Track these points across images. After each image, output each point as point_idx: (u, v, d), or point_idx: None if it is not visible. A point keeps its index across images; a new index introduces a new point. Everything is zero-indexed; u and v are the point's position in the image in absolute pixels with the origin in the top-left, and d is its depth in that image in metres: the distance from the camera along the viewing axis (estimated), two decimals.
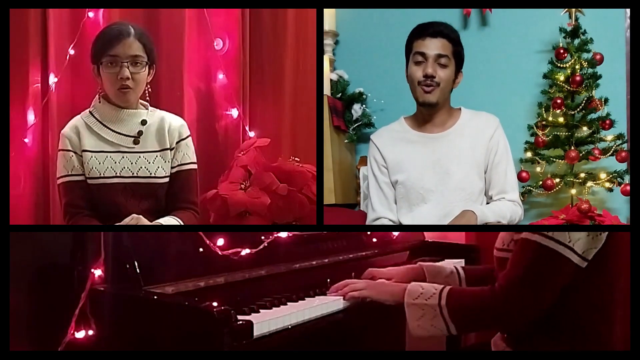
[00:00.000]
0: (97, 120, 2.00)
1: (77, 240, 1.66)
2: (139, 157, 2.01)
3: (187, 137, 2.09)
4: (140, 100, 2.05)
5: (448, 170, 2.14)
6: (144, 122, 2.02)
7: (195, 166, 2.10)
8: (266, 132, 2.48)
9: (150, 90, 2.03)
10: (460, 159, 2.15)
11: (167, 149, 2.04)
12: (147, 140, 2.02)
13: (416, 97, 2.14)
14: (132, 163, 2.00)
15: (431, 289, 1.55)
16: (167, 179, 2.04)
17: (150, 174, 2.01)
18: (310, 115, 2.51)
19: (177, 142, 2.06)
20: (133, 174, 1.99)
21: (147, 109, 2.06)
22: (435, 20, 2.17)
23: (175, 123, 2.08)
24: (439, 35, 2.09)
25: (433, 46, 2.09)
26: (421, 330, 1.54)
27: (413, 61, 2.12)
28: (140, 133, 2.01)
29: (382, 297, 1.67)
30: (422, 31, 2.11)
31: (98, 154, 1.98)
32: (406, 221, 2.19)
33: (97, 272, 1.51)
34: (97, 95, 2.03)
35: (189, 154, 2.08)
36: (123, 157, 2.00)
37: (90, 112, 2.02)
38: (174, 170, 2.06)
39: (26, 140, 2.34)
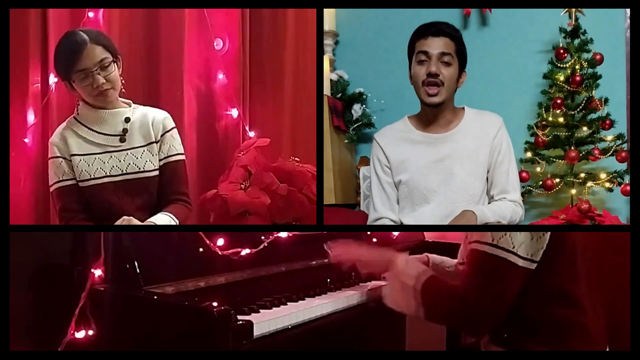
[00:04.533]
0: (82, 124, 2.02)
1: (77, 240, 1.66)
2: (127, 154, 2.01)
3: (172, 129, 2.09)
4: (122, 99, 2.06)
5: (452, 170, 2.14)
6: (127, 120, 2.03)
7: (182, 157, 2.10)
8: (266, 132, 2.48)
9: (124, 81, 2.03)
10: (464, 159, 2.14)
11: (152, 143, 2.04)
12: (132, 137, 2.03)
13: (421, 98, 2.13)
14: (120, 161, 2.01)
15: (414, 270, 1.62)
16: (157, 172, 2.04)
17: (139, 168, 2.01)
18: (310, 115, 2.51)
19: (162, 135, 2.06)
20: (122, 171, 2.00)
21: (129, 106, 2.06)
22: (435, 20, 2.17)
23: (159, 116, 2.08)
24: (441, 34, 2.09)
25: (436, 45, 2.08)
26: (394, 303, 1.64)
27: (416, 61, 2.12)
28: (125, 131, 2.02)
29: (372, 257, 1.80)
30: (425, 31, 2.11)
31: (86, 156, 1.99)
32: (408, 221, 2.19)
33: (97, 272, 1.51)
34: (77, 102, 2.03)
35: (175, 146, 2.08)
36: (111, 157, 2.00)
37: (74, 117, 2.04)
38: (162, 162, 2.06)
39: (26, 140, 2.34)
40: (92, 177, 1.98)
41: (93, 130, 2.01)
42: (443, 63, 2.08)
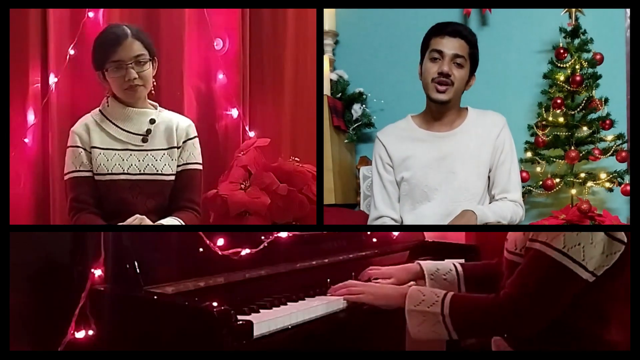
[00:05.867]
0: (107, 118, 2.03)
1: (77, 240, 1.66)
2: (147, 154, 2.03)
3: (194, 137, 2.11)
4: (149, 101, 2.08)
5: (453, 169, 2.14)
6: (152, 121, 2.04)
7: (200, 167, 2.12)
8: (266, 132, 2.48)
9: (155, 83, 2.05)
10: (466, 158, 2.14)
11: (174, 147, 2.06)
12: (155, 138, 2.05)
13: (428, 93, 2.13)
14: (139, 160, 2.02)
15: (433, 296, 1.56)
16: (173, 177, 2.06)
17: (157, 171, 2.03)
18: (310, 115, 2.50)
19: (184, 142, 2.08)
20: (140, 171, 2.01)
21: (155, 108, 2.08)
22: (434, 20, 2.17)
23: (184, 123, 2.10)
24: (457, 35, 2.09)
25: (451, 45, 2.08)
26: (422, 334, 1.57)
27: (429, 58, 2.11)
28: (148, 131, 2.04)
29: (381, 302, 1.69)
30: (441, 29, 2.11)
31: (106, 151, 2.00)
32: (409, 219, 2.19)
33: (97, 272, 1.51)
34: (107, 95, 2.05)
35: (194, 154, 2.10)
36: (131, 155, 2.02)
37: (100, 110, 2.05)
38: (179, 169, 2.07)
39: (26, 140, 2.34)
40: (109, 172, 1.99)
41: (117, 126, 2.03)
42: (455, 64, 2.08)
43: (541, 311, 1.46)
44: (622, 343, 1.52)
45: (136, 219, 1.88)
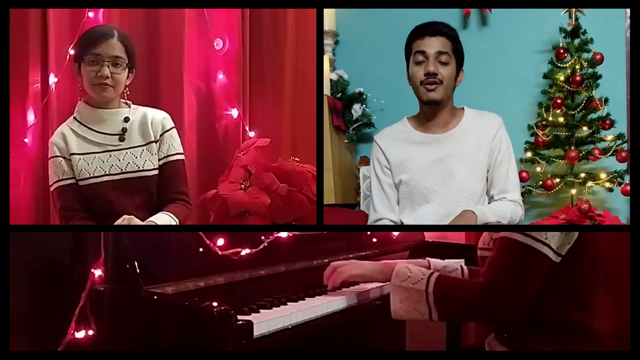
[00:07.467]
0: (82, 124, 2.03)
1: (77, 240, 1.66)
2: (126, 153, 2.03)
3: (171, 128, 2.10)
4: (122, 100, 2.08)
5: (451, 170, 2.14)
6: (126, 119, 2.04)
7: (182, 157, 2.11)
8: (266, 132, 2.48)
9: (128, 92, 2.06)
10: (463, 159, 2.14)
11: (152, 142, 2.05)
12: (131, 136, 2.04)
13: (419, 96, 2.14)
14: (119, 160, 2.02)
15: (419, 274, 1.58)
16: (156, 172, 2.05)
17: (139, 167, 2.02)
18: (310, 115, 2.51)
19: (161, 135, 2.08)
20: (122, 170, 2.01)
21: (129, 107, 2.08)
22: (435, 20, 2.17)
23: (158, 116, 2.09)
24: (437, 33, 2.10)
25: (433, 44, 2.09)
26: (402, 312, 1.59)
27: (414, 61, 2.12)
28: (124, 130, 2.03)
29: (372, 275, 1.75)
30: (421, 31, 2.12)
31: (86, 155, 2.00)
32: (408, 221, 2.19)
33: (97, 272, 1.51)
34: (79, 101, 2.06)
35: (174, 145, 2.09)
36: (110, 156, 2.02)
37: (74, 117, 2.06)
38: (161, 162, 2.07)
39: (26, 140, 2.35)
40: (92, 175, 1.99)
41: (92, 129, 2.02)
42: (440, 63, 2.09)
43: (515, 292, 1.48)
44: (609, 331, 1.53)
45: (124, 220, 1.87)
